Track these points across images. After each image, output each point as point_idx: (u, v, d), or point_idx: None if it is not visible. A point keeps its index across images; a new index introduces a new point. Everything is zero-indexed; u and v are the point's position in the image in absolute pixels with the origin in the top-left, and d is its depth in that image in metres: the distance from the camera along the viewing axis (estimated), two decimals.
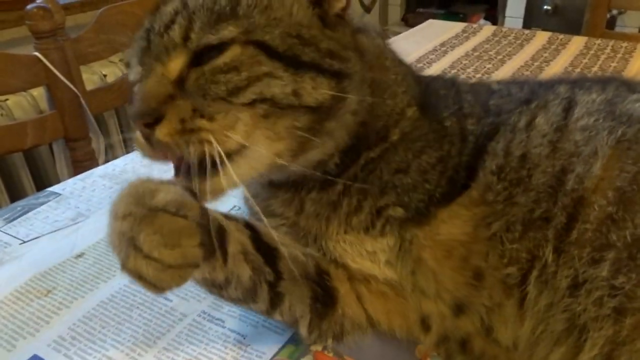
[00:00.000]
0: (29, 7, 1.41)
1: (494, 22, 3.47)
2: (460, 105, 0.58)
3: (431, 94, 0.60)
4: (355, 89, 0.51)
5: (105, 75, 1.94)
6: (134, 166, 1.00)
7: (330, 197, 0.56)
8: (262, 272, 0.53)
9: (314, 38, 0.49)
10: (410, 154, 0.54)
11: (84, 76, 1.60)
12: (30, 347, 0.61)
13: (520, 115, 0.54)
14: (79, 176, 0.98)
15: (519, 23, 3.28)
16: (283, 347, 0.60)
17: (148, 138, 0.47)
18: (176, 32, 0.48)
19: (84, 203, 0.89)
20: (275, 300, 0.55)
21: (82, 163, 1.57)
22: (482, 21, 3.59)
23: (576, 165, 0.48)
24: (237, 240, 0.52)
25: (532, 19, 3.22)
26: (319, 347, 0.60)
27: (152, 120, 0.46)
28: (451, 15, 3.62)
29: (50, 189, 0.94)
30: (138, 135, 0.48)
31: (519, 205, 0.49)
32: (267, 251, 0.54)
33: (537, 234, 0.47)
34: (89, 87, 1.61)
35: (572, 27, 2.49)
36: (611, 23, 3.02)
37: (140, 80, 0.50)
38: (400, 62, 0.62)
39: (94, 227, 0.82)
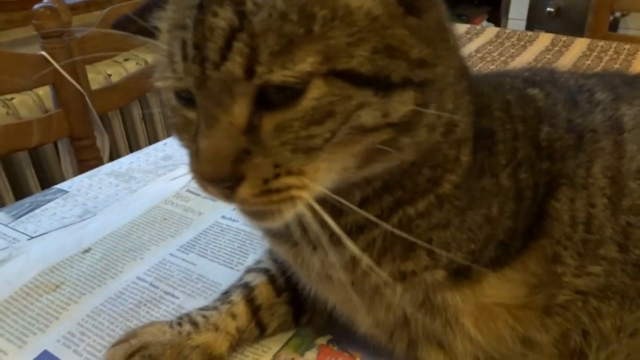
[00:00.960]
0: (35, 6, 1.42)
1: (497, 24, 3.48)
2: (515, 148, 0.50)
3: (483, 125, 0.49)
4: (436, 96, 0.43)
5: (110, 75, 1.95)
6: (140, 164, 1.01)
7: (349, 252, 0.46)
8: None
9: (403, 45, 0.39)
10: (453, 209, 0.47)
11: (89, 76, 1.61)
12: (40, 343, 0.62)
13: (578, 165, 0.49)
14: (85, 174, 0.99)
15: (521, 25, 3.29)
16: (289, 341, 0.61)
17: (228, 196, 0.40)
18: (237, 65, 0.36)
19: (91, 200, 0.90)
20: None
21: (87, 162, 1.58)
22: (485, 23, 3.60)
23: (635, 225, 0.46)
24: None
25: (535, 21, 3.23)
26: (324, 341, 0.61)
27: (230, 184, 0.38)
28: (454, 17, 3.63)
29: (57, 186, 0.95)
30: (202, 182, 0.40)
31: (592, 275, 0.46)
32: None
33: (603, 304, 0.46)
34: (94, 86, 1.62)
35: (575, 29, 2.50)
36: (614, 25, 3.02)
37: (202, 130, 0.39)
38: (462, 68, 0.50)
39: (101, 223, 0.83)
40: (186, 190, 0.91)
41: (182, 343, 0.56)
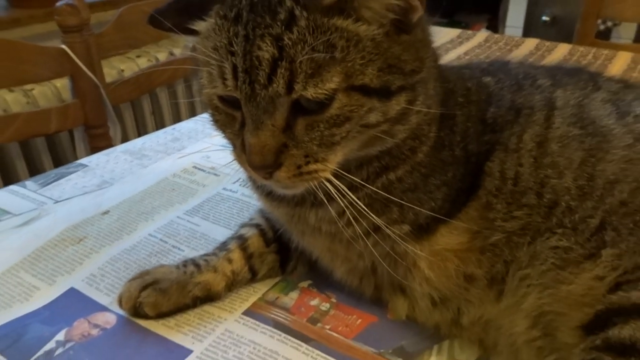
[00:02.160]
0: (58, 3, 1.55)
1: (495, 32, 3.60)
2: (468, 127, 0.62)
3: (448, 108, 0.61)
4: (423, 90, 0.55)
5: (122, 70, 2.07)
6: (151, 145, 1.13)
7: (337, 209, 0.58)
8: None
9: (400, 62, 0.51)
10: (420, 176, 0.59)
11: (104, 70, 1.73)
12: (67, 282, 0.74)
13: (511, 134, 0.61)
14: (102, 152, 1.11)
15: (518, 32, 3.41)
16: (275, 284, 0.73)
17: (267, 178, 0.53)
18: (280, 85, 0.47)
19: (108, 173, 1.02)
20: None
21: (99, 149, 1.68)
22: (483, 30, 3.71)
23: (551, 177, 0.57)
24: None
25: (531, 29, 3.34)
26: (305, 285, 0.72)
27: (272, 170, 0.51)
28: (454, 24, 3.74)
29: (78, 161, 1.07)
30: (245, 165, 0.53)
31: (516, 219, 0.57)
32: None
33: (521, 238, 0.57)
34: (107, 80, 1.74)
35: (569, 37, 2.61)
36: (607, 34, 3.14)
37: (250, 130, 0.50)
38: (436, 64, 0.62)
39: (117, 191, 0.95)
40: (192, 166, 1.03)
41: (186, 280, 0.68)
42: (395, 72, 0.51)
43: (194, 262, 0.70)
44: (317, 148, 0.51)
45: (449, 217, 0.60)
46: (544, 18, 3.30)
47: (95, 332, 0.65)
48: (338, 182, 0.54)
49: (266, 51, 0.47)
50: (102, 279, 0.74)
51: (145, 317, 0.66)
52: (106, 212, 0.89)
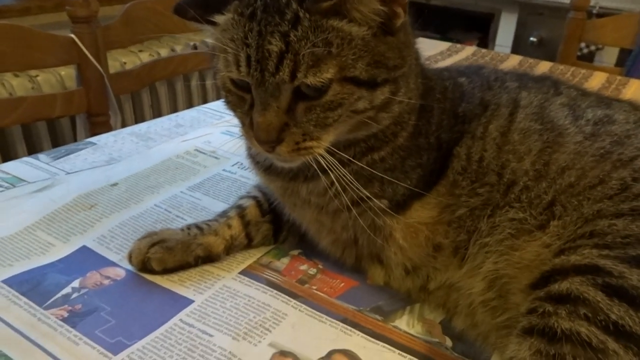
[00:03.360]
0: None
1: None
2: (442, 119, 0.71)
3: (428, 101, 0.70)
4: (405, 83, 0.64)
5: (125, 63, 2.15)
6: (156, 129, 1.21)
7: (323, 184, 0.68)
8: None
9: (386, 59, 0.60)
10: (399, 158, 0.68)
11: (108, 62, 1.80)
12: (80, 240, 0.82)
13: (478, 125, 0.70)
14: (110, 133, 1.19)
15: (507, 51, 3.54)
16: (269, 251, 0.81)
17: (270, 151, 0.61)
18: (286, 73, 0.56)
19: (116, 152, 1.09)
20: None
21: None
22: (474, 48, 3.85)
23: (511, 161, 0.66)
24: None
25: (519, 49, 3.49)
26: (295, 253, 0.81)
27: (274, 144, 0.60)
28: (446, 41, 3.88)
29: (88, 139, 1.15)
30: (252, 141, 0.62)
31: (478, 195, 0.67)
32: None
33: (482, 212, 0.67)
34: (111, 71, 1.82)
35: (555, 58, 2.74)
36: (590, 57, 3.29)
37: (258, 111, 0.59)
38: (419, 63, 0.72)
39: (125, 167, 1.03)
40: (194, 149, 1.11)
41: (190, 240, 0.76)
42: (380, 67, 0.60)
43: (197, 226, 0.79)
44: (313, 128, 0.60)
45: (422, 194, 0.69)
46: (532, 39, 3.44)
47: (106, 282, 0.73)
48: (330, 157, 0.63)
49: (275, 45, 0.56)
50: (112, 239, 0.82)
51: (152, 271, 0.74)
52: (115, 184, 0.97)
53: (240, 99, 0.63)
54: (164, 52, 2.26)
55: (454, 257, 0.69)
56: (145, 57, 2.20)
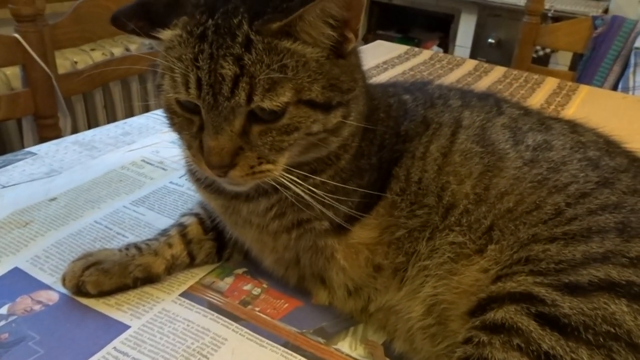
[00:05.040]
0: None
1: (446, 50, 3.79)
2: (384, 139, 0.70)
3: (371, 122, 0.69)
4: (355, 106, 0.64)
5: (76, 62, 2.08)
6: (102, 137, 1.17)
7: (264, 205, 0.67)
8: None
9: (339, 82, 0.60)
10: (341, 180, 0.66)
11: (57, 61, 1.73)
12: (11, 261, 0.78)
13: (419, 144, 0.70)
14: (52, 141, 1.14)
15: (466, 52, 3.60)
16: (212, 270, 0.79)
17: (218, 175, 0.59)
18: (241, 97, 0.54)
19: (57, 162, 1.05)
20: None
21: (48, 140, 1.70)
22: (435, 48, 3.89)
23: (452, 183, 0.66)
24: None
25: (478, 50, 3.55)
26: (240, 272, 0.79)
27: (227, 169, 0.58)
28: (407, 40, 3.91)
29: (27, 149, 1.10)
30: (201, 164, 0.60)
31: (417, 217, 0.66)
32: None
33: (421, 234, 0.66)
34: (60, 72, 1.75)
35: (512, 58, 2.79)
36: (545, 60, 3.37)
37: (209, 134, 0.57)
38: (365, 85, 0.70)
39: (66, 179, 0.98)
40: (141, 160, 1.07)
41: (128, 261, 0.73)
42: (335, 90, 0.60)
43: (136, 245, 0.76)
44: (269, 151, 0.59)
45: (362, 216, 0.68)
46: (490, 40, 3.50)
47: (37, 307, 0.70)
48: (289, 177, 0.61)
49: (229, 69, 0.54)
50: (47, 260, 0.78)
51: (87, 295, 0.71)
52: (54, 199, 0.92)
53: (188, 121, 0.61)
54: (118, 52, 2.19)
55: (394, 279, 0.68)
56: (97, 57, 2.13)
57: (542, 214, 0.60)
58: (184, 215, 0.83)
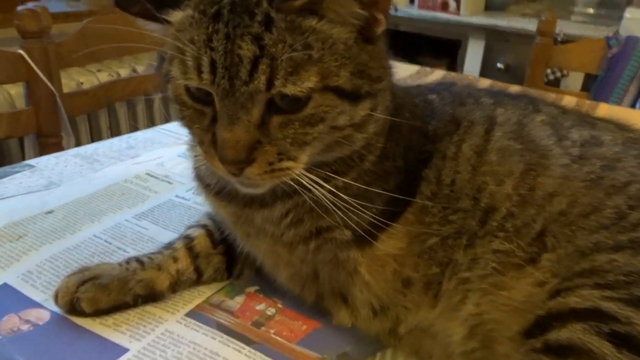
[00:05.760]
0: (19, 8, 1.53)
1: None
2: (411, 139, 0.64)
3: (396, 121, 0.62)
4: (382, 99, 0.57)
5: (82, 83, 2.04)
6: (104, 151, 1.11)
7: (281, 210, 0.60)
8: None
9: (368, 69, 0.53)
10: (364, 184, 0.59)
11: (63, 82, 1.69)
12: (1, 277, 0.70)
13: (450, 144, 0.63)
14: (52, 154, 1.08)
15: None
16: (222, 288, 0.71)
17: (233, 173, 0.52)
18: (261, 81, 0.48)
19: (56, 175, 0.99)
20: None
21: None
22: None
23: (489, 183, 0.60)
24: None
25: (486, 75, 3.50)
26: (252, 290, 0.71)
27: (244, 165, 0.51)
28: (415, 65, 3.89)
29: (25, 162, 1.04)
30: (214, 161, 0.53)
31: (451, 222, 0.59)
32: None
33: (457, 241, 0.59)
34: (65, 91, 1.70)
35: (522, 83, 2.75)
36: (556, 84, 3.32)
37: (224, 125, 0.50)
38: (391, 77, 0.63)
39: (65, 192, 0.92)
40: (145, 173, 1.01)
41: (128, 277, 0.66)
42: (364, 77, 0.53)
43: (137, 259, 0.69)
44: (290, 146, 0.52)
45: (389, 224, 0.61)
46: (499, 65, 3.47)
47: (25, 327, 0.62)
48: (309, 175, 0.54)
49: (247, 50, 0.48)
50: (39, 276, 0.71)
51: (82, 313, 0.64)
52: (51, 212, 0.86)
53: (199, 113, 0.54)
54: (125, 73, 2.16)
55: (426, 295, 0.61)
56: (104, 77, 2.09)
57: (601, 217, 0.53)
58: (190, 227, 0.76)
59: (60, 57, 1.64)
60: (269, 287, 0.71)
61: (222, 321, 0.65)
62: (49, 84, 1.61)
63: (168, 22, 0.53)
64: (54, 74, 1.64)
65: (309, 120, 0.52)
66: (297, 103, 0.50)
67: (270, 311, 0.68)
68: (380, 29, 0.54)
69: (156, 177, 1.00)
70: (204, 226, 0.74)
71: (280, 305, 0.69)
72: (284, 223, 0.61)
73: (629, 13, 2.83)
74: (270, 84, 0.49)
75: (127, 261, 0.68)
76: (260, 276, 0.73)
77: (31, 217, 0.83)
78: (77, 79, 2.03)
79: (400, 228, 0.61)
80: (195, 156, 0.62)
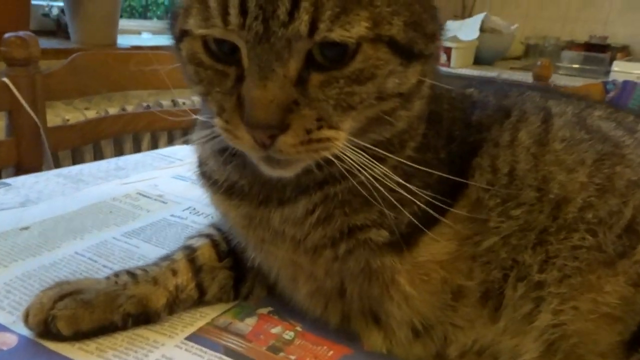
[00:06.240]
0: (6, 35, 1.46)
1: None
2: (452, 130, 0.56)
3: (435, 110, 0.55)
4: (431, 68, 0.50)
5: (67, 120, 1.95)
6: (91, 171, 1.00)
7: (306, 205, 0.51)
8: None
9: (422, 21, 0.46)
10: (404, 175, 0.50)
11: (47, 117, 1.60)
12: None
13: (502, 131, 0.55)
14: (31, 174, 0.97)
15: None
16: (228, 310, 0.60)
17: (263, 143, 0.43)
18: (303, 22, 0.40)
19: (35, 193, 0.87)
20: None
21: None
22: None
23: (557, 173, 0.51)
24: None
25: None
26: (264, 311, 0.60)
27: (277, 132, 0.42)
28: None
29: (1, 180, 0.92)
30: (238, 131, 0.44)
31: (513, 218, 0.50)
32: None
33: (522, 240, 0.50)
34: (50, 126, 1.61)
35: None
36: None
37: (254, 81, 0.42)
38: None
39: (44, 208, 0.81)
40: (136, 193, 0.90)
41: (117, 291, 0.54)
42: (418, 30, 0.45)
43: (128, 272, 0.57)
44: (333, 110, 0.43)
45: (433, 224, 0.51)
46: None
47: None
48: (357, 153, 0.44)
49: None
50: (7, 295, 0.59)
51: (58, 336, 0.51)
52: (26, 228, 0.74)
53: (220, 74, 0.45)
54: (114, 112, 2.08)
55: (483, 308, 0.50)
56: (91, 115, 2.01)
57: None
58: (191, 237, 0.65)
59: (47, 89, 1.56)
60: (284, 308, 0.60)
61: (232, 345, 0.53)
62: (33, 115, 1.52)
63: None
64: (39, 106, 1.55)
65: (357, 77, 0.43)
66: (341, 56, 0.42)
67: (289, 335, 0.56)
68: None
69: (148, 197, 0.89)
70: (208, 235, 0.63)
71: (299, 329, 0.58)
72: (309, 222, 0.51)
73: (617, 66, 2.90)
74: (313, 28, 0.40)
75: (117, 274, 0.57)
76: (272, 296, 0.62)
77: (2, 233, 0.72)
78: (62, 116, 1.95)
79: (447, 228, 0.51)
80: (206, 139, 0.51)
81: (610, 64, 2.95)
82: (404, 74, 0.45)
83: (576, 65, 3.34)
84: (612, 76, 2.93)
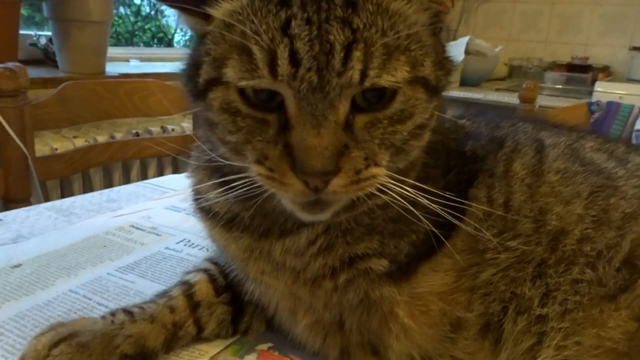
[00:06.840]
0: None
1: None
2: (449, 161, 0.57)
3: (432, 141, 0.55)
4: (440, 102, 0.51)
5: (56, 149, 1.94)
6: (83, 204, 0.99)
7: (308, 236, 0.51)
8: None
9: (444, 60, 0.49)
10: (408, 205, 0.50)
11: (36, 147, 1.59)
12: None
13: (496, 161, 0.57)
14: (22, 208, 0.96)
15: None
16: (227, 346, 0.59)
17: (316, 188, 0.43)
18: (356, 71, 0.41)
19: (27, 228, 0.86)
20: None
21: None
22: None
23: (554, 205, 0.52)
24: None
25: None
26: (264, 347, 0.59)
27: (330, 177, 0.43)
28: None
29: None
30: (286, 178, 0.44)
31: (511, 249, 0.51)
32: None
33: (520, 272, 0.50)
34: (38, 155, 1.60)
35: None
36: None
37: (307, 129, 0.42)
38: None
39: (36, 244, 0.80)
40: (129, 225, 0.89)
41: (114, 331, 0.53)
42: (442, 69, 0.48)
43: (125, 310, 0.56)
44: (378, 149, 0.45)
45: (432, 253, 0.52)
46: None
47: None
48: (395, 183, 0.46)
49: (339, 34, 0.41)
50: (1, 338, 0.58)
51: None
52: (18, 266, 0.73)
53: (260, 123, 0.45)
54: (103, 140, 2.07)
55: (483, 340, 0.50)
56: (80, 144, 1.99)
57: None
58: (189, 272, 0.64)
59: (36, 119, 1.55)
60: (283, 342, 0.60)
61: None
62: (22, 146, 1.51)
63: (208, 16, 0.45)
64: (28, 136, 1.54)
65: (399, 116, 0.45)
66: (382, 98, 0.44)
67: None
68: (448, 17, 0.48)
69: (142, 229, 0.89)
70: (205, 270, 0.63)
71: None
72: (311, 252, 0.51)
73: (599, 87, 2.96)
74: (363, 76, 0.42)
75: (113, 313, 0.56)
76: (271, 330, 0.61)
77: None
78: (51, 145, 1.93)
79: (445, 259, 0.52)
80: (241, 183, 0.47)
81: (593, 84, 3.01)
82: (429, 109, 0.47)
83: (559, 86, 3.40)
84: (595, 96, 2.99)
